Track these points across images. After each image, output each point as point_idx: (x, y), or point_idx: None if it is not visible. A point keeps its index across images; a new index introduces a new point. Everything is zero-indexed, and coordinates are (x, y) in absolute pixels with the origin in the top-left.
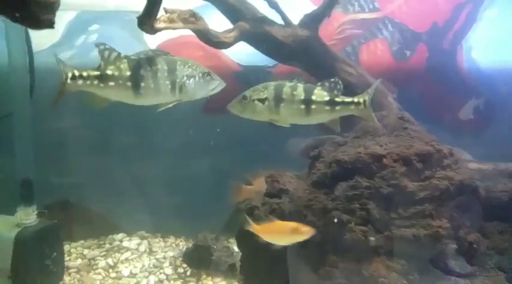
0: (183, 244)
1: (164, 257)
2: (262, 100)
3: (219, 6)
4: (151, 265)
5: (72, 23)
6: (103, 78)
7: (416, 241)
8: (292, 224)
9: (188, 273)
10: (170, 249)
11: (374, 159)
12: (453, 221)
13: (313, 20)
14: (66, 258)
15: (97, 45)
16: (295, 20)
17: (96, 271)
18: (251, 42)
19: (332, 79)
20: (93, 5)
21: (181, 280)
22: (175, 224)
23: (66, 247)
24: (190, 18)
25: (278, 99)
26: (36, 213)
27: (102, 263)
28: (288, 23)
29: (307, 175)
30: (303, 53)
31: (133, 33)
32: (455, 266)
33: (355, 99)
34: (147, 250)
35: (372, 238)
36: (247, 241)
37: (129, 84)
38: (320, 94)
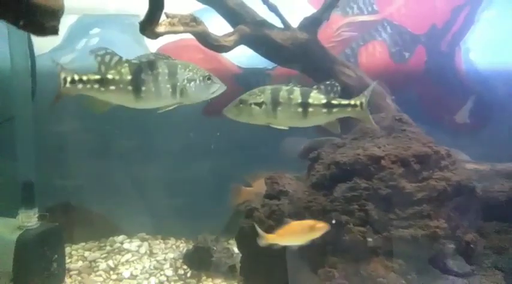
0: (184, 246)
1: (165, 259)
2: (259, 104)
3: (219, 9)
4: (151, 267)
5: (73, 26)
6: (104, 82)
7: (414, 241)
8: (308, 222)
9: (188, 274)
10: (170, 251)
11: (372, 160)
12: (451, 221)
13: (312, 23)
14: (67, 260)
15: (92, 51)
16: (295, 23)
17: (97, 273)
18: (251, 46)
19: (328, 82)
20: (94, 9)
21: (181, 282)
22: (176, 226)
23: (67, 249)
24: (191, 23)
25: (275, 102)
26: (37, 215)
27: (103, 265)
28: (287, 26)
29: (307, 177)
30: (302, 55)
31: (134, 36)
32: (453, 265)
33: (352, 102)
34: (148, 251)
35: (370, 239)
36: (247, 242)
37: (130, 88)
38: (317, 97)
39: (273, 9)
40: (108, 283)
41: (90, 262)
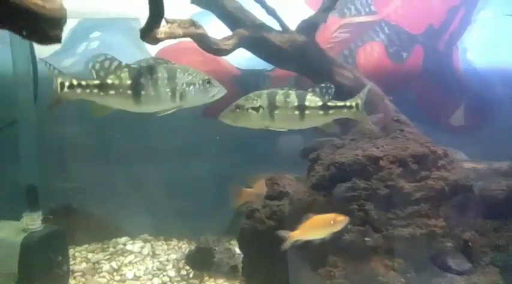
0: (186, 247)
1: (167, 260)
2: (256, 109)
3: (218, 13)
4: (154, 268)
5: (74, 30)
6: (103, 87)
7: (413, 240)
8: (329, 215)
9: (191, 275)
10: (173, 252)
11: (371, 161)
12: (449, 220)
13: (310, 26)
14: (71, 262)
15: (90, 60)
16: (292, 24)
17: (101, 275)
18: (250, 48)
19: (323, 85)
20: (94, 13)
21: (184, 282)
22: (178, 227)
23: (71, 251)
24: (191, 27)
25: (272, 106)
26: (41, 218)
27: (106, 266)
28: (285, 28)
29: (307, 178)
30: (300, 57)
31: (134, 40)
32: (452, 263)
33: (347, 103)
34: (151, 253)
35: (368, 239)
36: (249, 242)
37: (129, 92)
38: (313, 99)
39: (271, 12)
40: None
41: (94, 263)
